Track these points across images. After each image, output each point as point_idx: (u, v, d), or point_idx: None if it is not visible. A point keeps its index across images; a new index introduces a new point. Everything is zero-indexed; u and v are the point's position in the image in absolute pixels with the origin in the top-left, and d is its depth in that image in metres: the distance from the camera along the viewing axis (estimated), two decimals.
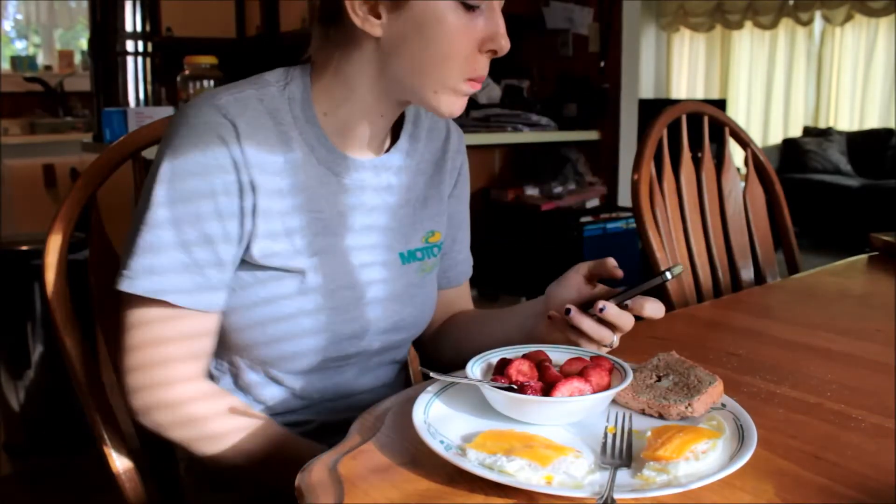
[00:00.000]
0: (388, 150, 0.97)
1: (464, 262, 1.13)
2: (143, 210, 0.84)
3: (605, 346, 0.86)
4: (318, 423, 0.98)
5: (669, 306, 1.42)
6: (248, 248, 0.88)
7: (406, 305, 0.99)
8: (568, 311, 0.84)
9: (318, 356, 0.93)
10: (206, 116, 0.84)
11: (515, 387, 0.75)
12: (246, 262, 0.89)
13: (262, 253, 0.87)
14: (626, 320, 0.84)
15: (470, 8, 0.83)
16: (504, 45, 0.85)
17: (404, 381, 1.11)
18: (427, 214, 1.02)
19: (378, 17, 0.84)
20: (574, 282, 0.91)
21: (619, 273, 0.88)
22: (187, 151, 0.83)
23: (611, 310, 0.82)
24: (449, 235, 1.08)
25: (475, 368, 0.80)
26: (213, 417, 0.88)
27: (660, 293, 1.39)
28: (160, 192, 0.83)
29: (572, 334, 0.86)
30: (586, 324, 0.84)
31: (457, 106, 0.88)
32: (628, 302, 0.83)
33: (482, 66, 0.86)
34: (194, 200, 0.83)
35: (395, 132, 0.99)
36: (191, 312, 0.85)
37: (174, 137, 0.84)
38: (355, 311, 0.94)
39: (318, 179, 0.91)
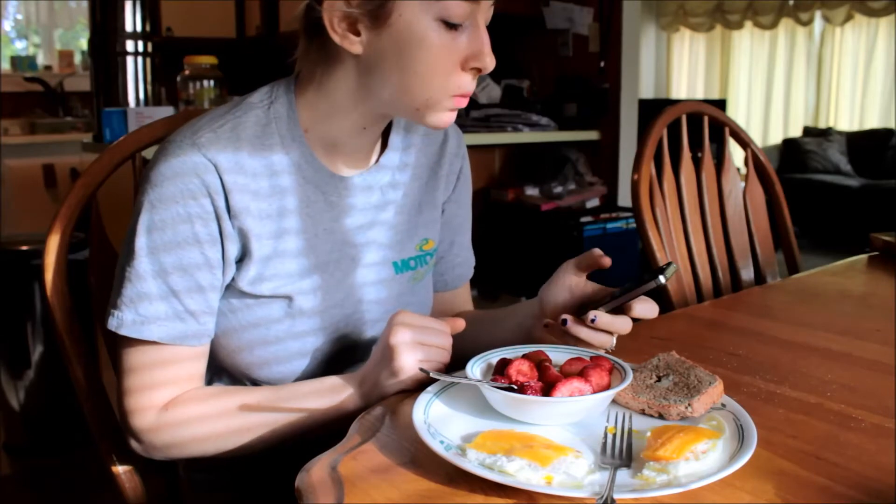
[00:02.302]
0: (377, 161, 0.96)
1: (462, 265, 1.12)
2: (130, 254, 0.84)
3: (605, 349, 0.86)
4: None
5: (669, 306, 1.42)
6: (241, 277, 0.88)
7: None
8: (564, 321, 0.84)
9: (312, 374, 0.92)
10: (185, 153, 0.83)
11: (515, 387, 0.75)
12: (238, 289, 0.89)
13: (256, 280, 0.88)
14: (620, 324, 0.83)
15: (452, 26, 0.80)
16: (488, 63, 0.83)
17: None
18: (421, 221, 1.01)
19: (357, 34, 0.82)
20: (564, 282, 0.90)
21: (606, 262, 0.87)
22: (168, 196, 0.83)
23: (602, 318, 0.82)
24: (447, 239, 1.08)
25: (475, 368, 0.80)
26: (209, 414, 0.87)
27: (659, 293, 1.39)
28: (142, 238, 0.83)
29: (571, 341, 0.86)
30: (583, 332, 0.84)
31: (443, 120, 0.86)
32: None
33: (466, 83, 0.84)
34: (178, 248, 0.84)
35: (385, 138, 0.98)
36: (185, 351, 0.86)
37: (156, 178, 0.84)
38: (348, 328, 0.94)
39: (306, 200, 0.90)
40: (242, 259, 0.88)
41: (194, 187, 0.83)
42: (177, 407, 0.86)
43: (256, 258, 0.87)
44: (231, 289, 0.89)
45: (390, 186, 0.97)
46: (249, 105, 0.90)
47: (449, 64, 0.82)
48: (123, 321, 0.84)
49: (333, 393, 0.85)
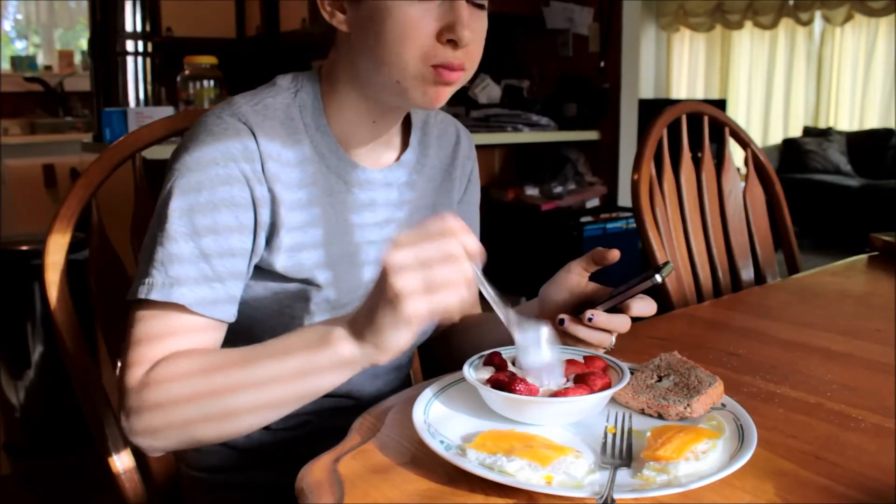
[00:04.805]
0: (398, 160, 0.97)
1: None
2: (162, 218, 0.81)
3: (604, 348, 0.86)
4: (316, 425, 0.98)
5: (669, 306, 1.42)
6: (270, 260, 0.87)
7: None
8: (562, 321, 0.84)
9: None
10: (226, 124, 0.84)
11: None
12: (262, 274, 0.88)
13: (285, 264, 0.87)
14: (618, 323, 0.83)
15: None
16: (463, 35, 0.80)
17: (404, 382, 1.11)
18: None
19: (343, 12, 0.84)
20: (565, 282, 0.90)
21: (614, 255, 0.85)
22: (208, 159, 0.82)
23: (599, 317, 0.82)
24: None
25: (472, 369, 0.80)
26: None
27: (659, 293, 1.39)
28: (179, 202, 0.81)
29: (570, 341, 0.86)
30: (581, 331, 0.83)
31: (430, 94, 0.84)
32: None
33: (444, 53, 0.82)
34: (214, 210, 0.82)
35: (406, 140, 0.99)
36: (206, 323, 0.82)
37: (195, 144, 0.83)
38: None
39: (329, 190, 0.91)
40: (273, 240, 0.87)
41: (234, 151, 0.83)
42: (161, 367, 0.78)
43: (291, 239, 0.87)
44: (261, 275, 0.88)
45: (408, 185, 0.98)
46: (279, 89, 0.91)
47: (421, 34, 0.81)
48: (154, 284, 0.79)
49: (319, 331, 0.75)
